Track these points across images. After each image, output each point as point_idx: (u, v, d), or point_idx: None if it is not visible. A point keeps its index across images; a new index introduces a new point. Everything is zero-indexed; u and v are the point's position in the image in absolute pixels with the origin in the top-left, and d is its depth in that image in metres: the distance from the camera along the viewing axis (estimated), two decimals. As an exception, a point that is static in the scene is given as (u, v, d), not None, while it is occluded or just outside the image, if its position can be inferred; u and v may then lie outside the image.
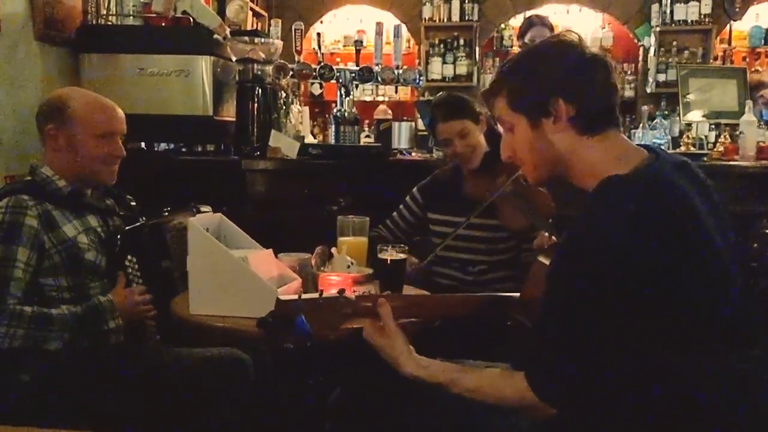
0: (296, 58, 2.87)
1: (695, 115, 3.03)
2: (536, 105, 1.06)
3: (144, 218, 1.69)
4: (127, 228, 1.62)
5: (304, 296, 1.08)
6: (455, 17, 5.05)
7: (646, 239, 0.91)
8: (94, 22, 2.62)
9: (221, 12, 3.08)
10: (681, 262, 0.92)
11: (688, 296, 0.92)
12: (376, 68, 2.78)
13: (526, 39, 3.14)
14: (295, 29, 2.97)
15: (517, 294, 1.21)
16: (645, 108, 3.21)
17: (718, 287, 0.96)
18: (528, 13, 4.54)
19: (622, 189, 0.96)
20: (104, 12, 2.65)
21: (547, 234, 1.71)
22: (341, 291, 1.10)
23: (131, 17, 2.67)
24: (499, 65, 1.16)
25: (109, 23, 2.67)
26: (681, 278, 0.92)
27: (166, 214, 1.73)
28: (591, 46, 1.10)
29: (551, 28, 3.20)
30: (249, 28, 4.16)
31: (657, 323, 0.92)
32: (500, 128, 1.14)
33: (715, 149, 2.83)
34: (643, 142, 2.39)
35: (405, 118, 3.59)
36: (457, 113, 1.91)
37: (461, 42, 5.10)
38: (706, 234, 0.96)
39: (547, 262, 1.16)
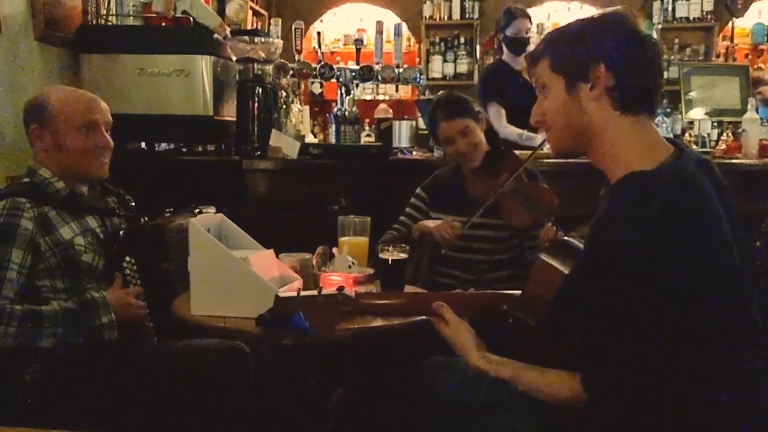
0: (296, 58, 2.86)
1: (697, 113, 3.02)
2: (577, 67, 1.04)
3: (146, 218, 1.68)
4: (126, 228, 1.61)
5: (303, 293, 1.08)
6: (456, 15, 5.05)
7: (668, 239, 0.91)
8: (94, 22, 2.62)
9: (221, 11, 3.08)
10: (702, 263, 0.92)
11: (707, 297, 0.92)
12: (377, 67, 2.77)
13: (509, 32, 3.06)
14: (295, 28, 2.97)
15: (518, 292, 1.20)
16: (647, 106, 3.20)
17: (734, 288, 0.96)
18: (535, 11, 4.50)
19: (647, 186, 0.95)
20: (104, 12, 2.65)
21: (552, 226, 1.71)
22: (340, 288, 1.09)
23: (131, 17, 2.67)
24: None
25: (110, 23, 2.67)
26: (701, 278, 0.92)
27: (168, 215, 1.72)
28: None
29: (530, 19, 3.14)
30: (249, 27, 4.16)
31: (676, 323, 0.91)
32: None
33: (717, 147, 2.82)
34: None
35: (405, 117, 3.59)
36: (459, 112, 1.92)
37: (462, 40, 5.09)
38: (724, 235, 0.96)
39: (549, 259, 1.15)
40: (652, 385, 0.94)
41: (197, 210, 1.74)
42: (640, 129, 1.03)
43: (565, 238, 1.25)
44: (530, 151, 1.94)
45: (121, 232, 1.58)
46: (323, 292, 1.09)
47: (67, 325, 1.40)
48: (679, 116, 3.26)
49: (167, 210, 1.74)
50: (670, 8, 4.80)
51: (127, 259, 1.57)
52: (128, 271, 1.57)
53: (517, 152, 2.01)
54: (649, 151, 1.01)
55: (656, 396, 0.94)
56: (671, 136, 3.01)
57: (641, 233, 0.91)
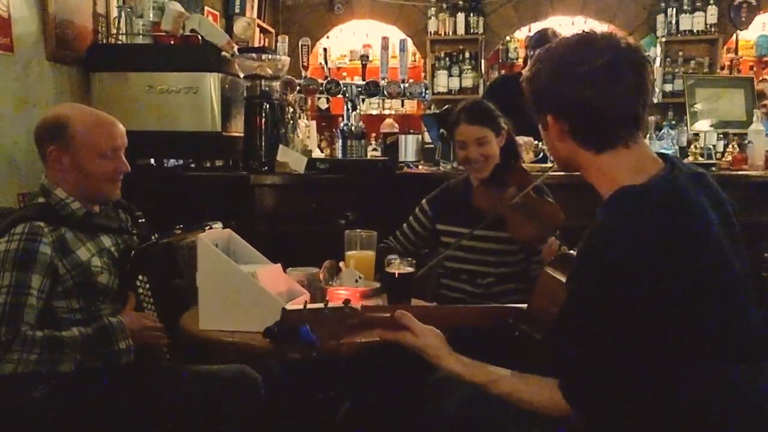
0: (303, 74, 2.90)
1: (703, 125, 3.02)
2: (536, 112, 1.07)
3: (156, 235, 1.69)
4: (138, 247, 1.61)
5: (309, 306, 1.09)
6: (460, 30, 5.10)
7: (660, 251, 0.91)
8: (104, 41, 2.66)
9: (229, 29, 3.13)
10: (694, 275, 0.92)
11: (701, 309, 0.92)
12: (382, 82, 2.80)
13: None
14: (301, 45, 3.01)
15: (525, 305, 1.21)
16: (652, 118, 3.21)
17: (730, 299, 0.96)
18: (539, 26, 4.55)
19: (637, 201, 0.96)
20: (114, 31, 2.69)
21: (556, 240, 1.71)
22: (347, 301, 1.10)
23: (141, 36, 2.71)
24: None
25: (119, 42, 2.72)
26: (694, 291, 0.91)
27: (178, 232, 1.73)
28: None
29: None
30: (256, 44, 4.21)
31: (670, 336, 0.91)
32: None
33: (723, 159, 2.82)
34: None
35: (411, 131, 3.61)
36: (482, 119, 1.93)
37: (467, 55, 5.13)
38: (720, 246, 0.96)
39: (553, 273, 1.16)
40: (639, 396, 0.93)
41: (207, 226, 1.75)
42: (620, 158, 1.01)
43: (570, 251, 1.25)
44: (537, 164, 1.94)
45: (133, 252, 1.59)
46: (329, 305, 1.10)
47: (85, 350, 1.40)
48: (685, 128, 3.27)
49: (178, 227, 1.75)
50: (674, 21, 4.82)
51: (140, 277, 1.58)
52: (141, 290, 1.58)
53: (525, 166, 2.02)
54: (637, 168, 1.01)
55: (647, 408, 0.93)
56: (677, 148, 3.02)
57: (632, 246, 0.91)
